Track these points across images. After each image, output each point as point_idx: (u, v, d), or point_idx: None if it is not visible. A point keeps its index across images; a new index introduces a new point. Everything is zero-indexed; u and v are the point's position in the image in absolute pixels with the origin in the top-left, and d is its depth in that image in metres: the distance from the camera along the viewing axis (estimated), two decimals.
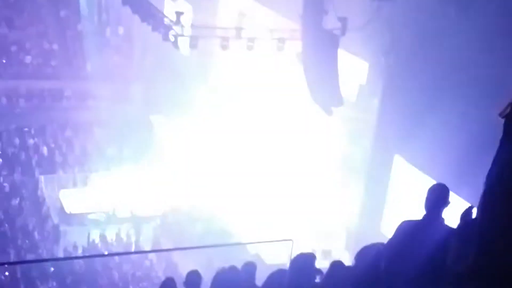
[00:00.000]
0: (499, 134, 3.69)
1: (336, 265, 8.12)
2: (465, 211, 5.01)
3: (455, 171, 14.78)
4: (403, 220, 5.77)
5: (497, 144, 3.66)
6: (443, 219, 5.55)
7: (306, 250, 16.96)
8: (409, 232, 5.54)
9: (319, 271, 8.30)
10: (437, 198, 5.59)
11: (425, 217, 5.59)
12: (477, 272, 3.35)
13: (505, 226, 3.24)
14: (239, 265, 9.99)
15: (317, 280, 8.29)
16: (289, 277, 8.81)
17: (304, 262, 9.23)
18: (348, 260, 20.25)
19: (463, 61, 16.35)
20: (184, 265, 22.56)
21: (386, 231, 18.06)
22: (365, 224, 20.31)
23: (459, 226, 4.86)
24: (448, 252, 4.65)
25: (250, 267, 9.57)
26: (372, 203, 20.53)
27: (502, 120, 3.61)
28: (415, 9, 18.50)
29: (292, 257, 9.56)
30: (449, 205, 5.62)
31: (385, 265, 5.66)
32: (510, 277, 3.18)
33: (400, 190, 19.75)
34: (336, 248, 21.53)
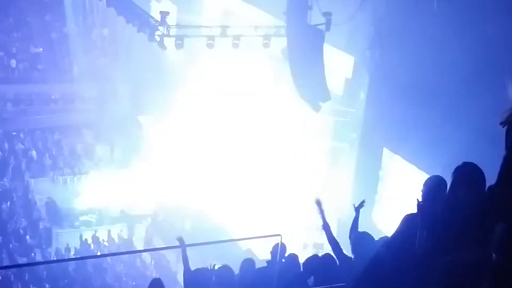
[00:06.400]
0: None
1: (328, 258, 8.19)
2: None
3: (444, 162, 14.84)
4: (406, 214, 5.78)
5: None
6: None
7: (297, 244, 16.97)
8: (412, 225, 5.50)
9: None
10: (435, 190, 5.56)
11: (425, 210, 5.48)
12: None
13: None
14: (232, 261, 10.04)
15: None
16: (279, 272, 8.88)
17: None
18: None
19: (448, 53, 16.46)
20: (176, 262, 22.64)
21: (377, 222, 18.21)
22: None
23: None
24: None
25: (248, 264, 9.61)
26: (362, 194, 20.66)
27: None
28: (399, 2, 18.64)
29: (280, 251, 9.62)
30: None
31: (390, 258, 5.73)
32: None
33: (390, 181, 19.87)
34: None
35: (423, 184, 5.63)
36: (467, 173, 4.73)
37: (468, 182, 4.64)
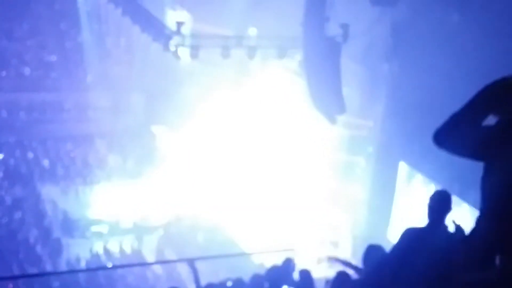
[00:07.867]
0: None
1: (342, 275, 8.09)
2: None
3: (461, 177, 14.59)
4: (407, 227, 5.87)
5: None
6: (446, 226, 5.54)
7: (311, 258, 16.84)
8: (413, 239, 5.59)
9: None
10: (439, 204, 5.61)
11: (428, 224, 5.61)
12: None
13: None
14: (245, 274, 9.85)
15: None
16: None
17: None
18: None
19: (468, 66, 16.18)
20: (188, 275, 22.36)
21: (393, 238, 17.89)
22: (371, 231, 20.12)
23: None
24: (454, 260, 4.65)
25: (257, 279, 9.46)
26: (378, 209, 20.40)
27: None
28: (418, 14, 18.39)
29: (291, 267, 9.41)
30: (451, 211, 5.63)
31: (389, 271, 5.68)
32: None
33: (406, 196, 19.56)
34: (342, 256, 21.35)
35: (429, 198, 5.67)
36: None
37: None
